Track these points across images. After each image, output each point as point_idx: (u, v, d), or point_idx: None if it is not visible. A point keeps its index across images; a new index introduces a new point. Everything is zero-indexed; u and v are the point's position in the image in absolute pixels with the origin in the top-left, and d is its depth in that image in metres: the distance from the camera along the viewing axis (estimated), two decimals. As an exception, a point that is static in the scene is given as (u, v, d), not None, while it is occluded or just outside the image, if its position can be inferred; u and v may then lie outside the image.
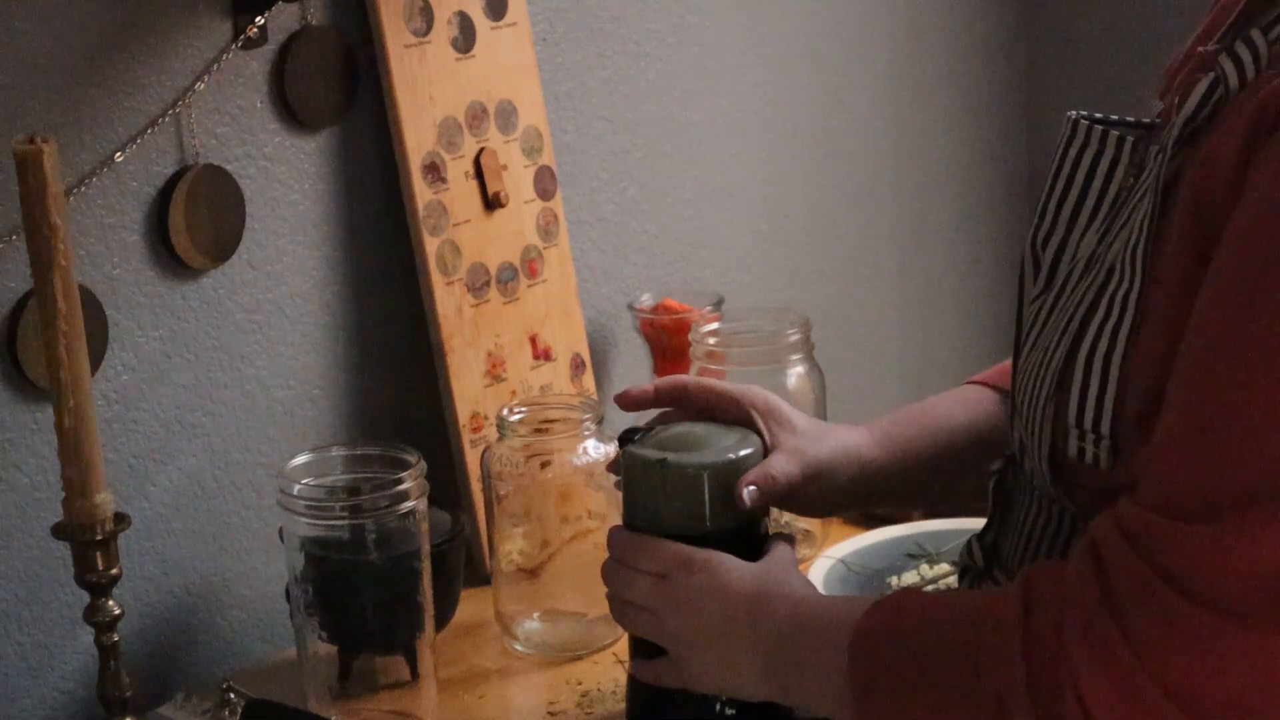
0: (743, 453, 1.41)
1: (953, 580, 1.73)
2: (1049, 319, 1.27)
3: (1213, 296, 1.10)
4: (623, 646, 1.59)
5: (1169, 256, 1.15)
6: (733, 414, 1.46)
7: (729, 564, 1.35)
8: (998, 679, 1.14)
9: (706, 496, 1.39)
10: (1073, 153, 1.29)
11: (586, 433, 1.72)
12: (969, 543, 1.39)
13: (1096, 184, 1.27)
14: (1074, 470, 1.22)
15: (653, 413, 1.51)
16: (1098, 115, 1.29)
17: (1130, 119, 1.30)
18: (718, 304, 2.03)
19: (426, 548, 1.58)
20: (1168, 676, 1.08)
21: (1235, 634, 1.07)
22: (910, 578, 1.78)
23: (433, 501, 1.61)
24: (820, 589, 1.75)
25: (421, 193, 1.85)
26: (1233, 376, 1.07)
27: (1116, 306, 1.18)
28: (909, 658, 1.20)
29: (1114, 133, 1.27)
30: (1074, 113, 1.30)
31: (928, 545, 1.83)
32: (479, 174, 1.90)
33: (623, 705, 1.57)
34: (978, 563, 1.38)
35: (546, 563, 1.74)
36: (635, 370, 2.14)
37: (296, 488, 1.55)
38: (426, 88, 1.86)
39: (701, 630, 1.34)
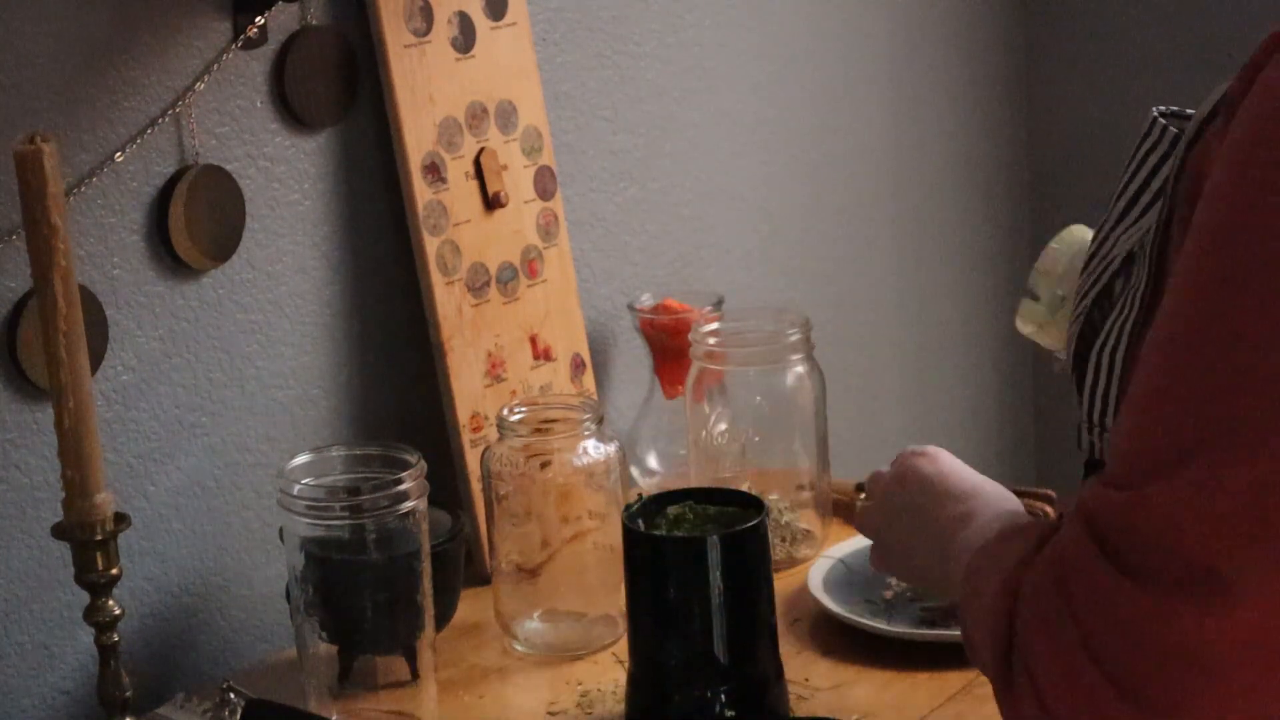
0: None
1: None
2: (1078, 306, 1.28)
3: (1176, 271, 1.09)
4: (623, 646, 1.60)
5: (1175, 251, 1.14)
6: None
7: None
8: (990, 620, 1.14)
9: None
10: (1143, 150, 1.27)
11: (586, 433, 1.72)
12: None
13: (1144, 178, 1.26)
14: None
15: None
16: (1175, 109, 1.27)
17: None
18: (718, 304, 2.03)
19: (426, 548, 1.58)
20: (1098, 648, 1.06)
21: (1154, 603, 1.04)
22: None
23: (433, 501, 1.61)
24: (820, 589, 1.75)
25: (421, 193, 1.85)
26: (1180, 345, 1.06)
27: (1129, 303, 1.19)
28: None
29: (1172, 130, 1.24)
30: (1156, 109, 1.27)
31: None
32: (479, 174, 1.90)
33: (623, 706, 1.57)
34: None
35: (546, 563, 1.74)
36: (635, 370, 2.14)
37: (296, 488, 1.55)
38: (426, 88, 1.86)
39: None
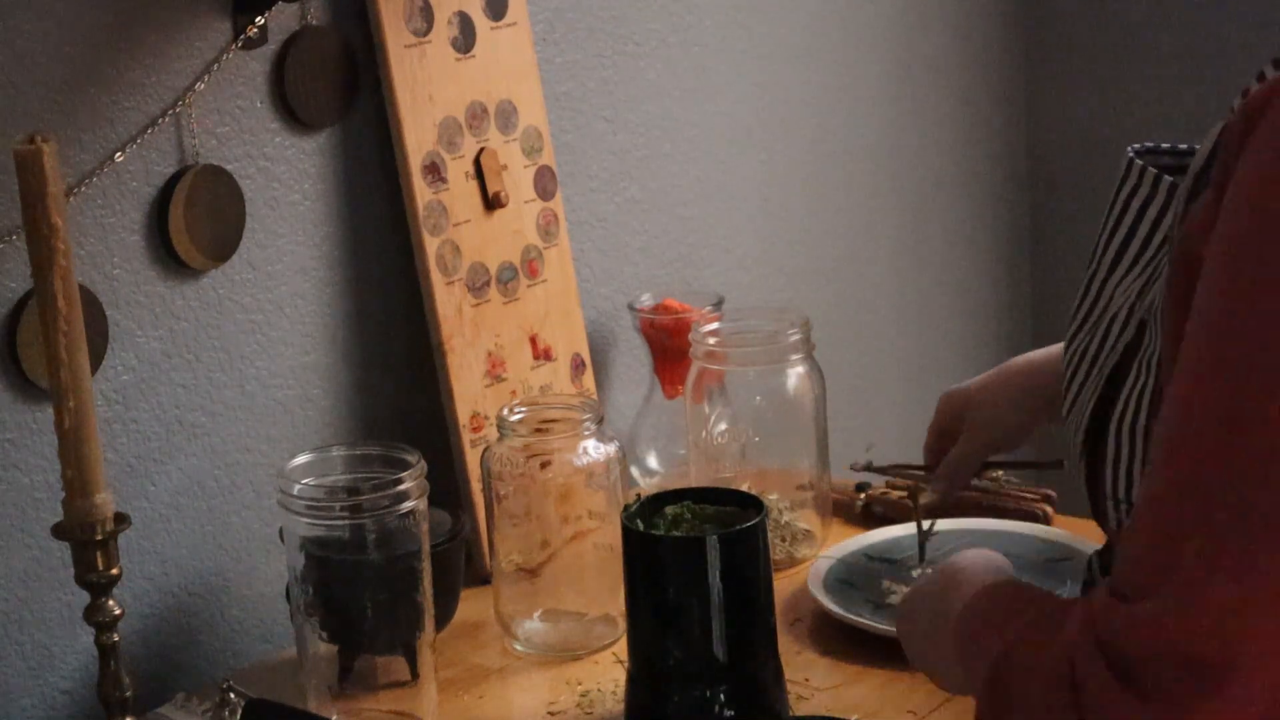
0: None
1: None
2: (1090, 369, 1.23)
3: (1186, 350, 1.03)
4: (623, 646, 1.60)
5: (1183, 314, 1.08)
6: None
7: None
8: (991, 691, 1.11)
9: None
10: (1124, 193, 1.23)
11: (586, 433, 1.72)
12: (1090, 558, 1.34)
13: (1142, 229, 1.21)
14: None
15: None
16: (1164, 145, 1.23)
17: (1196, 147, 1.21)
18: (718, 304, 2.03)
19: (426, 548, 1.58)
20: None
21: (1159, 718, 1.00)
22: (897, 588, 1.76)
23: (433, 501, 1.62)
24: (820, 589, 1.75)
25: (421, 193, 1.85)
26: (1196, 439, 1.00)
27: (1144, 370, 1.14)
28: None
29: (1166, 179, 1.20)
30: (1132, 149, 1.23)
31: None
32: (479, 174, 1.90)
33: (623, 706, 1.57)
34: (1096, 580, 1.32)
35: (546, 563, 1.74)
36: (635, 370, 2.14)
37: (296, 488, 1.55)
38: (426, 88, 1.86)
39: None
